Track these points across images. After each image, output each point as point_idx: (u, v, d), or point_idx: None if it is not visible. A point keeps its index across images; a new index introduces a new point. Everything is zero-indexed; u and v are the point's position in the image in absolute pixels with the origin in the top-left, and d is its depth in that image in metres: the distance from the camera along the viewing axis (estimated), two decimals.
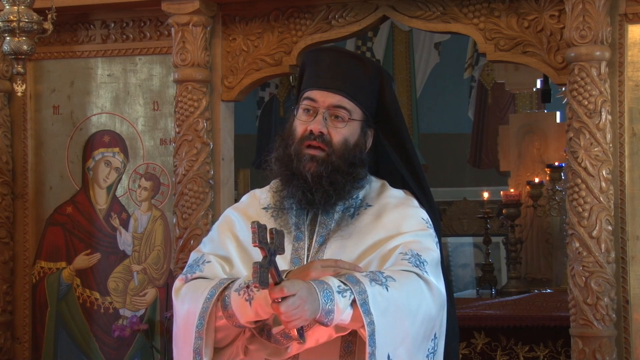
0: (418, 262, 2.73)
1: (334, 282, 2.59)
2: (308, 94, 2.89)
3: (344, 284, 2.60)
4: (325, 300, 2.55)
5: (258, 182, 3.15)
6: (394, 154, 2.96)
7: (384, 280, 2.64)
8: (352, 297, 2.58)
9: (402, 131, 2.99)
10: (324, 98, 2.85)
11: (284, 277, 2.56)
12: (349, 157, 2.84)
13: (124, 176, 4.94)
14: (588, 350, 4.07)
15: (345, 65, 2.91)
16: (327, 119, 2.85)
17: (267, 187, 2.98)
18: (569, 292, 4.14)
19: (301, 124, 2.88)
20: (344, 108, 2.86)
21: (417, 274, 2.71)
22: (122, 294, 4.91)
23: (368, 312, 2.57)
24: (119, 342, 4.88)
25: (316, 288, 2.55)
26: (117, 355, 4.90)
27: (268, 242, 2.47)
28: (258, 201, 2.98)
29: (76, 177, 5.02)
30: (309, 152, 2.82)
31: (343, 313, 2.58)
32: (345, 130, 2.86)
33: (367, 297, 2.58)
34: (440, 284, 2.78)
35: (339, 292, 2.57)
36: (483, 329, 6.00)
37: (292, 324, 2.53)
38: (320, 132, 2.82)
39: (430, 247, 2.82)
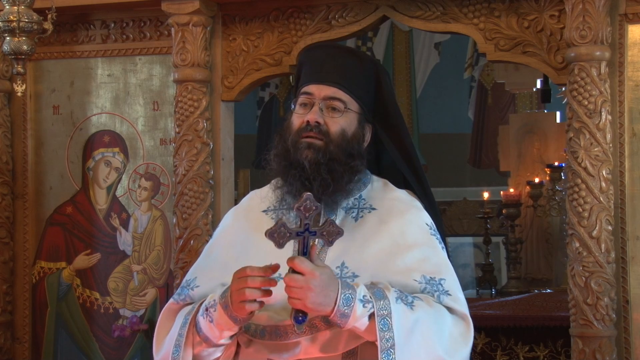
0: (435, 288, 2.75)
1: (361, 291, 2.63)
2: (304, 89, 2.90)
3: (370, 296, 2.63)
4: (342, 303, 2.59)
5: (258, 182, 3.14)
6: (393, 150, 2.96)
7: (410, 300, 2.67)
8: (372, 310, 2.61)
9: (400, 125, 2.99)
10: (320, 90, 2.86)
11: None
12: (346, 147, 2.83)
13: (124, 176, 4.94)
14: (588, 350, 4.06)
15: (341, 59, 2.91)
16: (324, 109, 2.84)
17: (268, 185, 2.97)
18: (569, 292, 4.14)
19: (298, 117, 2.88)
20: (340, 99, 2.86)
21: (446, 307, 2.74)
22: (122, 294, 4.90)
23: (388, 328, 2.60)
24: (119, 342, 4.88)
25: (340, 288, 2.59)
26: (117, 355, 4.90)
27: (310, 210, 2.57)
28: (259, 200, 2.98)
29: (76, 177, 5.02)
30: (306, 140, 2.82)
31: (358, 321, 2.61)
32: (341, 120, 2.85)
33: (390, 314, 2.61)
34: (461, 297, 2.79)
35: (361, 301, 2.61)
36: (483, 329, 5.99)
37: (290, 301, 2.57)
38: (317, 122, 2.82)
39: (440, 262, 2.82)
